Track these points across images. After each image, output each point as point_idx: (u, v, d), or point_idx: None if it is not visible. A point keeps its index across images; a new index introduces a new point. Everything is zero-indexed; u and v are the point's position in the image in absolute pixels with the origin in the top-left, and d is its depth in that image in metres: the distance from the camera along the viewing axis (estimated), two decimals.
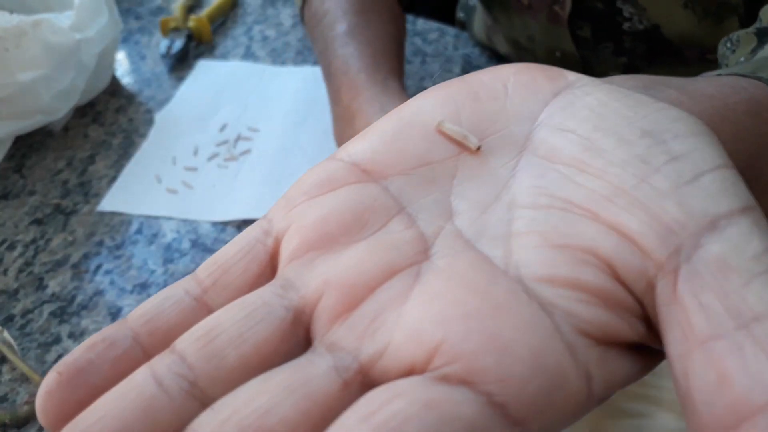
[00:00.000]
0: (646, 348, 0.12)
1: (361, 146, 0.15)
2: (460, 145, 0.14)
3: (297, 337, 0.12)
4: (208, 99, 0.55)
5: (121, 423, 0.11)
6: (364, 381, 0.11)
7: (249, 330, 0.12)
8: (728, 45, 0.33)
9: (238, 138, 0.51)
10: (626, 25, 0.38)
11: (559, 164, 0.13)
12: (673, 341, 0.11)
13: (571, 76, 0.14)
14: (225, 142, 0.51)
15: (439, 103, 0.15)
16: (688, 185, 0.11)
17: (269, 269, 0.14)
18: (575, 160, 0.13)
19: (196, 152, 0.50)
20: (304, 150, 0.50)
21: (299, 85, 0.56)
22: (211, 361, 0.11)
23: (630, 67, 0.43)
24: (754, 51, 0.31)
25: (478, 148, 0.14)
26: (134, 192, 0.48)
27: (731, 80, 0.22)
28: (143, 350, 0.12)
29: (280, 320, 0.12)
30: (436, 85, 0.15)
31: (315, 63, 0.59)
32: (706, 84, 0.20)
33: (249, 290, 0.13)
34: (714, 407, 0.09)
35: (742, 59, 0.31)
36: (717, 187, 0.11)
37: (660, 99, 0.16)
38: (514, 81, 0.14)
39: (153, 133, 0.52)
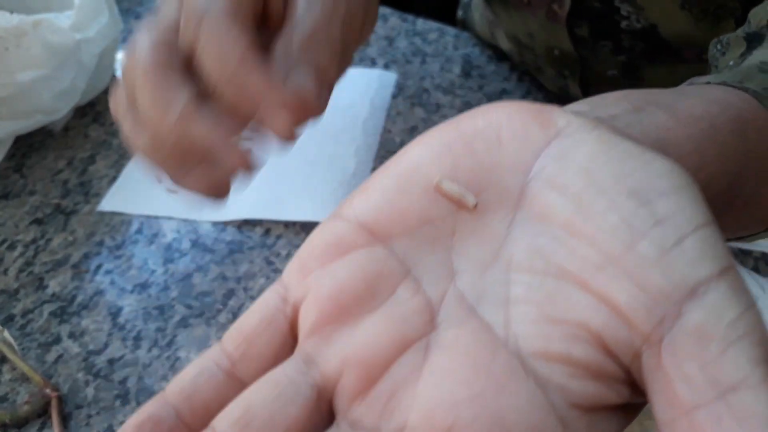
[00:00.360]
0: (630, 403, 0.13)
1: (365, 205, 0.16)
2: (459, 203, 0.15)
3: (321, 413, 0.14)
4: None
5: None
6: None
7: (280, 412, 0.13)
8: (718, 47, 0.33)
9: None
10: (624, 24, 0.38)
11: (552, 224, 0.14)
12: (660, 408, 0.11)
13: (561, 120, 0.15)
14: None
15: (436, 157, 0.15)
16: (671, 251, 0.12)
17: (291, 338, 0.15)
18: (567, 222, 0.13)
19: None
20: (303, 150, 0.50)
21: None
22: None
23: (629, 65, 0.43)
24: (743, 55, 0.31)
25: (476, 206, 0.14)
26: (134, 192, 0.48)
27: (719, 93, 0.23)
28: (186, 427, 0.14)
29: (306, 399, 0.13)
30: (432, 132, 0.16)
31: None
32: (695, 102, 0.21)
33: (274, 360, 0.15)
34: None
35: (731, 63, 0.31)
36: (697, 252, 0.12)
37: (650, 124, 0.18)
38: (507, 129, 0.15)
39: None
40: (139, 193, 0.47)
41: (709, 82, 0.25)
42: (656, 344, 0.12)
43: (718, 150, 0.20)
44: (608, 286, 0.12)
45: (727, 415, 0.10)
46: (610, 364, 0.13)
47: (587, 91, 0.49)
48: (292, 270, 0.16)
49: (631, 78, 0.44)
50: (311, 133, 0.51)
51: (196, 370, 0.15)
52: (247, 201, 0.46)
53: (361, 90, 0.55)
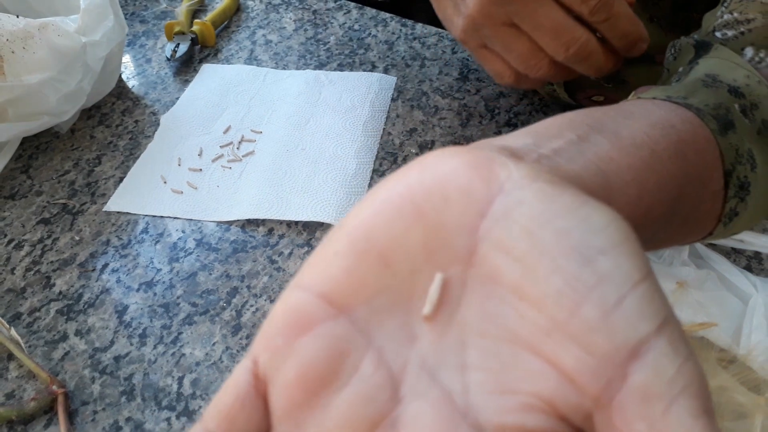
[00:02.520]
0: None
1: (323, 275, 0.16)
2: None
3: None
4: (213, 102, 0.56)
5: None
6: None
7: None
8: (672, 51, 0.34)
9: (242, 140, 0.52)
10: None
11: (501, 287, 0.14)
12: None
13: (503, 173, 0.15)
14: (229, 143, 0.52)
15: (387, 223, 0.15)
16: (613, 313, 0.13)
17: (266, 413, 0.15)
18: (515, 286, 0.14)
19: (200, 153, 0.51)
20: (306, 151, 0.50)
21: (301, 88, 0.56)
22: None
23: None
24: (691, 62, 0.32)
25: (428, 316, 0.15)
26: (140, 193, 0.48)
27: (663, 114, 0.24)
28: None
29: None
30: (381, 191, 0.16)
31: (317, 66, 0.59)
32: (639, 127, 0.21)
33: None
34: None
35: (680, 69, 0.32)
36: (636, 310, 0.13)
37: (593, 156, 0.18)
38: (453, 186, 0.15)
39: (158, 135, 0.53)
40: (145, 193, 0.48)
41: (655, 98, 0.26)
42: (606, 406, 0.13)
43: (657, 178, 0.21)
44: (557, 351, 0.13)
45: None
46: (562, 427, 0.13)
47: (573, 95, 0.50)
48: (259, 345, 0.16)
49: (613, 79, 0.45)
50: (313, 134, 0.52)
51: None
52: (250, 201, 0.47)
53: (362, 93, 0.56)
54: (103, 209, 0.47)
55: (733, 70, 0.29)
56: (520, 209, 0.14)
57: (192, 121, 0.54)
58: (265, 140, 0.52)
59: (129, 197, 0.48)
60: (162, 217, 0.47)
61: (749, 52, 0.31)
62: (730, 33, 0.32)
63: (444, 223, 0.15)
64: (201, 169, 0.49)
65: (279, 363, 0.15)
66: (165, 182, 0.49)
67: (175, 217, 0.46)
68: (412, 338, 0.15)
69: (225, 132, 0.53)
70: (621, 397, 0.12)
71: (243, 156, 0.50)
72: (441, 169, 0.15)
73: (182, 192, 0.48)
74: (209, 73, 0.59)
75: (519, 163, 0.15)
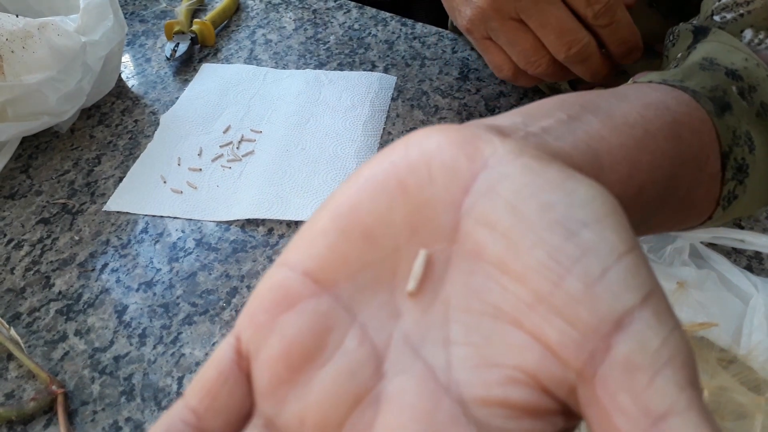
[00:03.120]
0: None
1: (308, 252, 0.16)
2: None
3: None
4: (212, 101, 0.56)
5: None
6: None
7: None
8: (671, 38, 0.34)
9: (242, 139, 0.52)
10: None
11: (485, 263, 0.14)
12: None
13: (488, 149, 0.15)
14: (229, 143, 0.52)
15: (371, 199, 0.15)
16: (596, 285, 0.13)
17: (249, 389, 0.15)
18: (499, 261, 0.14)
19: (200, 153, 0.51)
20: (306, 151, 0.50)
21: (301, 88, 0.56)
22: None
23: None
24: (689, 48, 0.32)
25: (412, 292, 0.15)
26: (140, 192, 0.48)
27: (658, 96, 0.23)
28: None
29: None
30: (366, 169, 0.16)
31: (316, 66, 0.59)
32: (632, 107, 0.21)
33: (237, 412, 0.15)
34: None
35: (679, 55, 0.32)
36: (621, 282, 0.13)
37: (583, 134, 0.18)
38: (437, 163, 0.15)
39: (158, 135, 0.53)
40: (145, 193, 0.48)
41: (651, 81, 0.26)
42: (590, 378, 0.12)
43: (651, 157, 0.20)
44: (540, 324, 0.13)
45: None
46: (546, 400, 0.13)
47: (575, 87, 0.50)
48: (243, 322, 0.16)
49: (615, 71, 0.45)
50: (313, 133, 0.52)
51: (164, 429, 0.15)
52: (250, 201, 0.47)
53: (362, 92, 0.55)
54: (103, 209, 0.47)
55: (731, 54, 0.29)
56: (504, 184, 0.14)
57: (192, 120, 0.54)
58: (265, 140, 0.52)
59: (129, 197, 0.48)
60: (162, 216, 0.47)
61: (748, 34, 0.31)
62: (729, 16, 0.32)
63: (428, 199, 0.15)
64: (201, 169, 0.49)
65: (262, 339, 0.15)
66: (165, 182, 0.49)
67: (174, 217, 0.46)
68: (395, 314, 0.15)
69: (225, 132, 0.53)
70: (604, 369, 0.12)
71: (243, 156, 0.50)
72: (426, 145, 0.15)
73: (182, 192, 0.48)
74: (209, 73, 0.59)
75: (505, 140, 0.15)
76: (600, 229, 0.13)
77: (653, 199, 0.21)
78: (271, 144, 0.51)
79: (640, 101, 0.22)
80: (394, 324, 0.15)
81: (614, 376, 0.12)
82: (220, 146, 0.51)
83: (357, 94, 0.55)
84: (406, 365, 0.14)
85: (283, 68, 0.59)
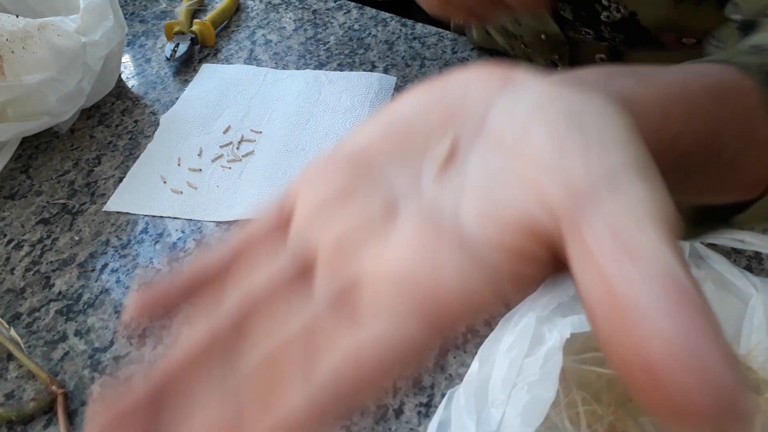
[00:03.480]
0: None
1: (353, 141, 0.18)
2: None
3: (306, 286, 0.17)
4: (212, 101, 0.56)
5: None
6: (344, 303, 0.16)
7: (274, 290, 0.17)
8: (713, 42, 0.34)
9: (242, 140, 0.52)
10: (604, 15, 0.38)
11: (502, 147, 0.16)
12: (582, 279, 0.13)
13: (522, 74, 0.17)
14: (229, 143, 0.52)
15: (415, 101, 0.19)
16: (593, 147, 0.14)
17: (285, 233, 0.18)
18: (514, 141, 0.16)
19: (200, 153, 0.51)
20: (306, 151, 0.50)
21: (301, 88, 0.56)
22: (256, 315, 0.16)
23: (613, 50, 0.44)
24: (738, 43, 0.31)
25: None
26: (140, 192, 0.48)
27: (701, 67, 0.24)
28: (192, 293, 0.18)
29: (293, 277, 0.17)
30: (420, 85, 0.19)
31: (316, 66, 0.59)
32: (673, 72, 0.22)
33: (271, 249, 0.18)
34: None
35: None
36: (617, 146, 0.14)
37: (613, 88, 0.19)
38: (474, 81, 0.18)
39: (158, 135, 0.53)
40: (145, 193, 0.48)
41: (695, 62, 0.26)
42: (578, 228, 0.13)
43: (686, 110, 0.21)
44: (540, 180, 0.15)
45: (638, 277, 0.12)
46: (537, 248, 0.15)
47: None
48: (290, 186, 0.19)
49: (617, 62, 0.45)
50: (313, 134, 0.52)
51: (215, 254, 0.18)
52: (250, 201, 0.47)
53: (362, 93, 0.55)
54: (103, 209, 0.47)
55: None
56: (532, 88, 0.16)
57: (192, 120, 0.54)
58: (265, 140, 0.52)
59: (128, 197, 0.48)
60: (162, 217, 0.47)
61: None
62: None
63: (462, 104, 0.18)
64: (201, 169, 0.49)
65: (307, 188, 0.18)
66: (165, 182, 0.49)
67: (174, 217, 0.46)
68: (419, 178, 0.17)
69: (225, 132, 0.53)
70: (594, 218, 0.13)
71: (243, 156, 0.50)
72: (468, 73, 0.18)
73: (182, 192, 0.48)
74: (209, 73, 0.59)
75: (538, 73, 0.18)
76: (608, 124, 0.15)
77: (693, 155, 0.22)
78: (271, 144, 0.51)
79: (682, 69, 0.23)
80: (417, 184, 0.17)
81: (601, 224, 0.13)
82: (220, 146, 0.51)
83: (357, 94, 0.55)
84: (419, 211, 0.17)
85: (283, 68, 0.59)
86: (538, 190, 0.14)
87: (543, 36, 0.47)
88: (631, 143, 0.14)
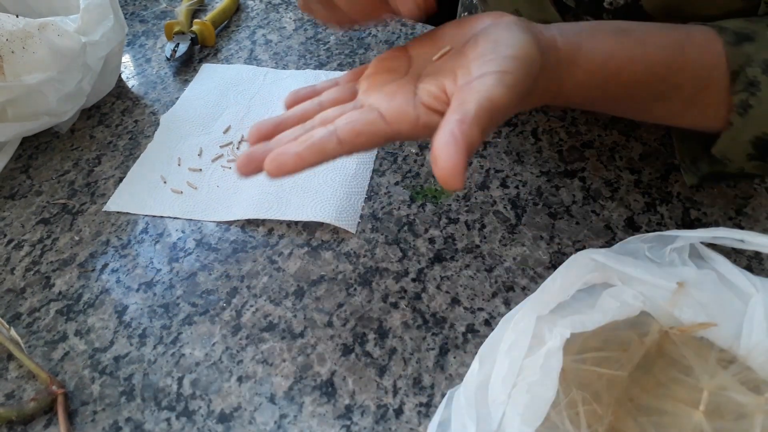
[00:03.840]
0: None
1: (411, 42, 0.33)
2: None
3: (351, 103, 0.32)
4: (212, 101, 0.56)
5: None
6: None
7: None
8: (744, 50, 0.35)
9: (242, 140, 0.52)
10: (607, 1, 0.39)
11: (464, 57, 0.29)
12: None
13: (507, 17, 0.30)
14: (229, 143, 0.52)
15: (447, 27, 0.33)
16: (494, 52, 0.28)
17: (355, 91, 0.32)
18: (467, 62, 0.28)
19: (200, 153, 0.51)
20: None
21: (300, 84, 0.56)
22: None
23: None
24: None
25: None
26: (140, 192, 0.48)
27: (685, 27, 0.32)
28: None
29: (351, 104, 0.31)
30: (455, 21, 0.33)
31: (316, 66, 0.59)
32: (643, 25, 0.33)
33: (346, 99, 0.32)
34: None
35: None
36: (506, 57, 0.27)
37: (578, 29, 0.32)
38: (480, 18, 0.31)
39: (158, 135, 0.53)
40: (145, 193, 0.48)
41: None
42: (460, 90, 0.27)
43: (628, 54, 0.31)
44: (455, 74, 0.28)
45: (456, 130, 0.24)
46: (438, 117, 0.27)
47: None
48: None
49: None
50: None
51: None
52: (250, 202, 0.47)
53: None
54: (103, 209, 0.47)
55: None
56: (498, 27, 0.29)
57: (192, 120, 0.54)
58: None
59: (128, 197, 0.48)
60: (162, 217, 0.47)
61: None
62: None
63: (469, 26, 0.31)
64: (201, 169, 0.49)
65: (371, 65, 0.33)
66: (165, 182, 0.49)
67: (174, 218, 0.46)
68: (429, 63, 0.31)
69: (225, 132, 0.53)
70: (456, 97, 0.26)
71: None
72: (480, 15, 0.31)
73: (182, 192, 0.48)
74: (209, 73, 0.59)
75: (519, 18, 0.30)
76: (512, 54, 0.27)
77: (646, 84, 0.32)
78: None
79: (660, 24, 0.32)
80: (421, 68, 0.31)
81: (454, 105, 0.25)
82: (221, 146, 0.51)
83: None
84: (405, 81, 0.30)
85: (284, 68, 0.59)
86: (455, 78, 0.28)
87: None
88: (515, 58, 0.27)
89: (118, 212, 0.47)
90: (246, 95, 0.56)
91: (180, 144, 0.52)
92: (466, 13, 0.63)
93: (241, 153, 0.51)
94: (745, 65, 0.31)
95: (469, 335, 0.38)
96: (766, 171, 0.36)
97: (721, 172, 0.37)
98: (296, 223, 0.46)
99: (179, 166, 0.50)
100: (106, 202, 0.48)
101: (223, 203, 0.47)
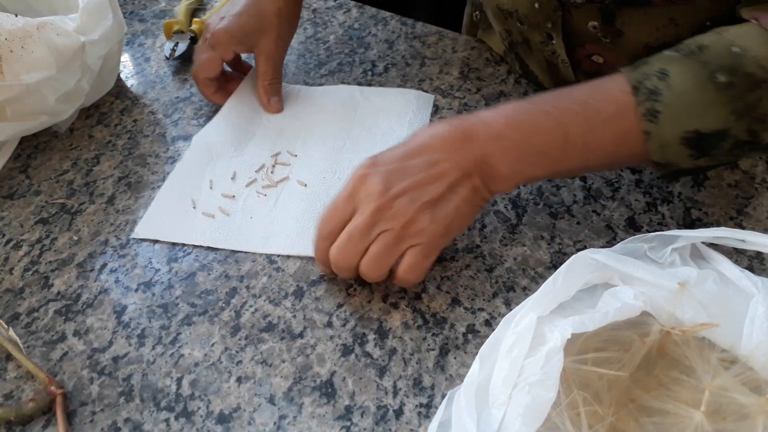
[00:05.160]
0: None
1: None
2: None
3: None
4: (246, 119, 0.53)
5: None
6: None
7: None
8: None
9: (276, 163, 0.49)
10: None
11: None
12: None
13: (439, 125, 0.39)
14: (262, 166, 0.49)
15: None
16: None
17: None
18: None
19: (233, 177, 0.48)
20: (342, 180, 0.45)
21: (336, 107, 0.54)
22: None
23: (605, 12, 0.44)
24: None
25: None
26: (169, 218, 0.46)
27: (601, 85, 0.38)
28: None
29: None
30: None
31: (316, 65, 0.59)
32: (553, 97, 0.39)
33: None
34: None
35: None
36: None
37: (492, 113, 0.39)
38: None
39: (188, 154, 0.50)
40: (175, 219, 0.45)
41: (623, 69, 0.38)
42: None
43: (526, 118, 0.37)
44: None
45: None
46: None
47: (572, 52, 0.49)
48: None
49: (610, 29, 0.45)
50: (350, 160, 0.48)
51: None
52: (288, 234, 0.44)
53: (399, 112, 0.53)
54: (131, 236, 0.45)
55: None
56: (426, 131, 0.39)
57: (224, 141, 0.51)
58: (300, 165, 0.49)
59: (158, 223, 0.45)
60: (193, 245, 0.44)
61: None
62: None
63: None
64: (234, 196, 0.47)
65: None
66: (195, 207, 0.46)
67: (208, 247, 0.44)
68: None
69: (258, 155, 0.50)
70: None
71: (278, 182, 0.48)
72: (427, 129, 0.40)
73: (214, 216, 0.46)
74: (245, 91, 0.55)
75: (451, 120, 0.39)
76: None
77: (550, 143, 0.37)
78: (307, 170, 0.48)
79: (577, 93, 0.38)
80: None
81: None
82: (255, 171, 0.49)
83: (394, 113, 0.53)
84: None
85: (318, 85, 0.57)
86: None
87: (536, 4, 0.47)
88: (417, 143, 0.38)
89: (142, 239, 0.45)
90: (278, 114, 0.54)
91: (211, 166, 0.49)
92: (477, 13, 0.63)
93: (276, 178, 0.48)
94: (643, 79, 0.35)
95: (470, 336, 0.38)
96: (722, 161, 0.38)
97: (680, 170, 0.38)
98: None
99: (211, 189, 0.47)
100: (104, 202, 0.48)
101: (258, 233, 0.44)
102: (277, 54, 0.53)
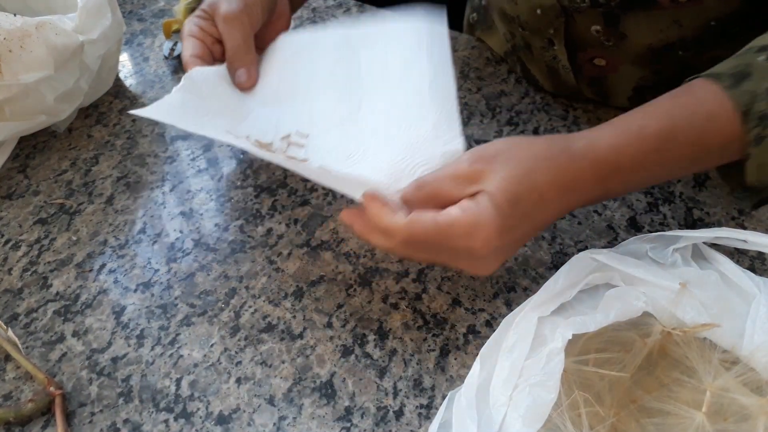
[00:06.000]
0: None
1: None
2: None
3: None
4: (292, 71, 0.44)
5: None
6: None
7: None
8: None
9: (289, 144, 0.41)
10: None
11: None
12: None
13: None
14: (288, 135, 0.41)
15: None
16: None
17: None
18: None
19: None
20: (368, 154, 0.38)
21: (334, 60, 0.44)
22: None
23: (609, 16, 0.44)
24: None
25: None
26: (182, 107, 0.39)
27: (688, 94, 0.34)
28: None
29: None
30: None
31: None
32: (644, 112, 0.34)
33: None
34: None
35: None
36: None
37: (594, 131, 0.35)
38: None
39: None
40: (188, 109, 0.39)
41: (700, 76, 0.34)
42: None
43: (628, 135, 0.33)
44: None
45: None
46: None
47: (574, 55, 0.49)
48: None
49: (613, 32, 0.45)
50: (373, 126, 0.40)
51: None
52: (321, 148, 0.38)
53: (412, 45, 0.42)
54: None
55: None
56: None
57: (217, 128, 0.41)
58: (315, 146, 0.40)
59: (168, 107, 0.38)
60: (202, 136, 0.39)
61: None
62: None
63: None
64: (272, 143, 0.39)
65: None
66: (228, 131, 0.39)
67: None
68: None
69: (263, 136, 0.41)
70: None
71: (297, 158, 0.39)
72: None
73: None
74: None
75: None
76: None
77: (678, 170, 0.35)
78: (325, 151, 0.39)
79: (666, 107, 0.34)
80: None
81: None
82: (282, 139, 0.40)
83: (405, 48, 0.42)
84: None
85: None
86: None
87: (539, 11, 0.47)
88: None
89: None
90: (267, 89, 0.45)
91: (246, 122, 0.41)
92: (474, 15, 0.63)
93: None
94: (752, 103, 0.32)
95: (470, 336, 0.38)
96: None
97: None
98: (295, 222, 0.45)
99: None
100: (104, 202, 0.48)
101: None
102: (244, 16, 0.43)
